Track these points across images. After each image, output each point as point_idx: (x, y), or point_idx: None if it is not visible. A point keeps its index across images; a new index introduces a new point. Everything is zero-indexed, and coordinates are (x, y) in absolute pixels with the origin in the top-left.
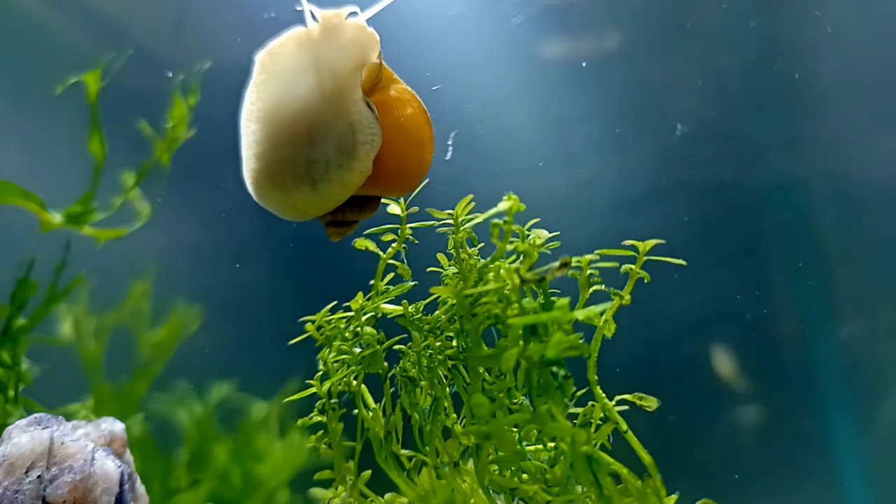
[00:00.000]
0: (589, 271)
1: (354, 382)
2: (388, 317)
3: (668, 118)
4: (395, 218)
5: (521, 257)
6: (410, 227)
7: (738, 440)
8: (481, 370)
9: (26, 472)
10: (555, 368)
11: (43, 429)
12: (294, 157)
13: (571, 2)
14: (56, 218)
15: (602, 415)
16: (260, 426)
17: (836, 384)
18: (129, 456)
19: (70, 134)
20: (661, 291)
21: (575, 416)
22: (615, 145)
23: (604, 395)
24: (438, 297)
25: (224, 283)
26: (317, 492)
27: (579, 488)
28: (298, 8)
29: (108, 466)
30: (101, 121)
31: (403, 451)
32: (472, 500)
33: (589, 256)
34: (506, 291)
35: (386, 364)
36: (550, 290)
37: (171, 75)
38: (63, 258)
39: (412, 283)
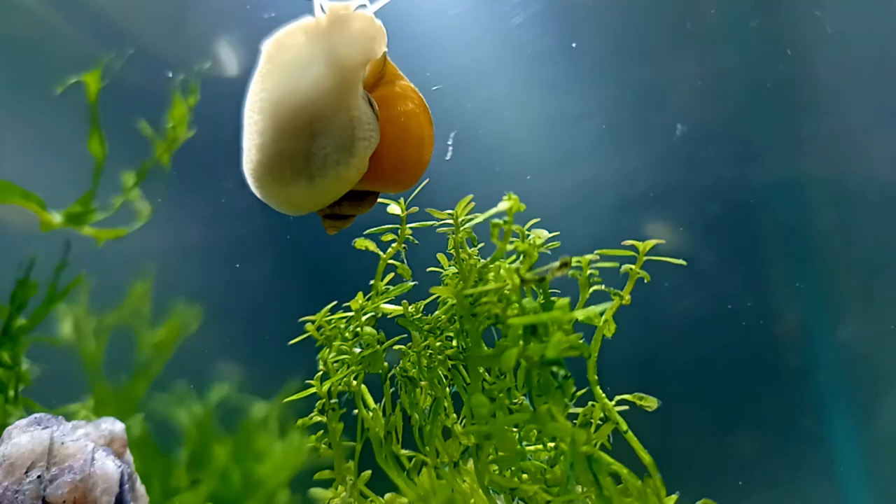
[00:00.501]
0: (589, 271)
1: (354, 382)
2: (389, 317)
3: (668, 118)
4: (395, 218)
5: (521, 257)
6: (410, 227)
7: (738, 440)
8: (481, 370)
9: (26, 472)
10: (555, 368)
11: (43, 429)
12: (294, 150)
13: (571, 2)
14: (56, 218)
15: (602, 415)
16: (260, 426)
17: (836, 384)
18: (129, 456)
19: (70, 134)
20: (661, 291)
21: (575, 416)
22: (615, 145)
23: (604, 395)
24: (438, 297)
25: (224, 283)
26: (317, 492)
27: (579, 488)
28: None
29: (108, 466)
30: (101, 121)
31: (403, 451)
32: (472, 500)
33: (589, 256)
34: (506, 291)
35: (386, 364)
36: (550, 290)
37: (171, 75)
38: (63, 258)
39: (412, 283)
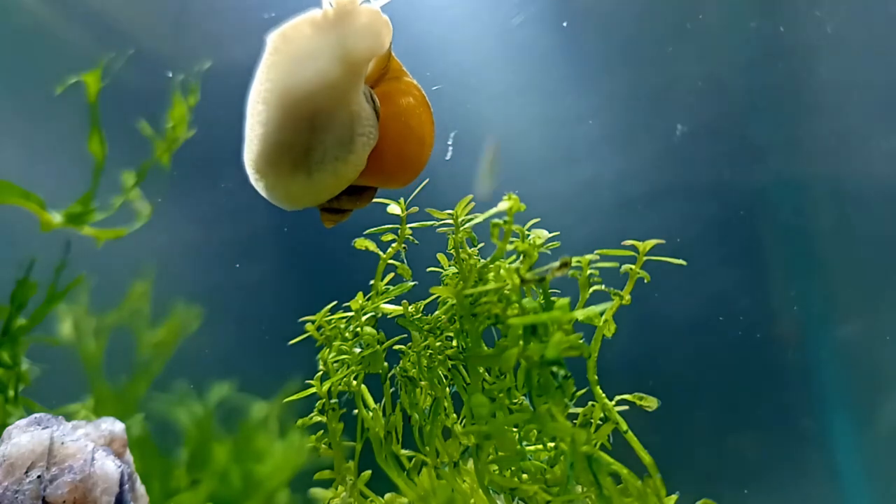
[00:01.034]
0: (589, 271)
1: (354, 382)
2: (389, 317)
3: (668, 118)
4: (395, 218)
5: (521, 257)
6: (410, 227)
7: (739, 440)
8: (481, 370)
9: (26, 472)
10: (555, 368)
11: (43, 429)
12: (294, 143)
13: (572, 2)
14: (56, 218)
15: (602, 415)
16: (260, 426)
17: (836, 384)
18: (129, 456)
19: (70, 134)
20: (661, 291)
21: (575, 416)
22: (615, 145)
23: (604, 395)
24: (438, 297)
25: (224, 283)
26: (317, 492)
27: (579, 488)
28: None
29: (108, 466)
30: (101, 121)
31: (403, 451)
32: (472, 500)
33: (589, 256)
34: (506, 291)
35: (386, 364)
36: (550, 290)
37: (171, 75)
38: (63, 258)
39: (412, 283)
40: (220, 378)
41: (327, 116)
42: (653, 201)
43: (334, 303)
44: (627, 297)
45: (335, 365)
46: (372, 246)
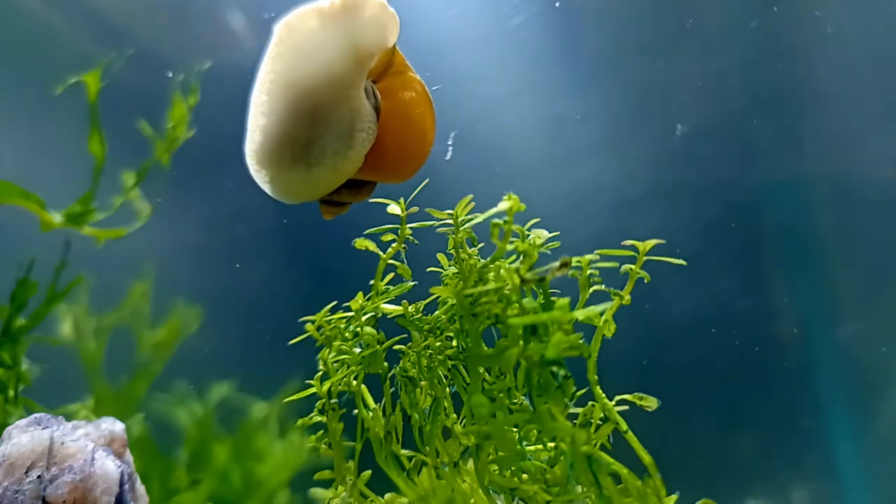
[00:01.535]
0: (589, 271)
1: (354, 382)
2: (389, 317)
3: (668, 118)
4: (395, 218)
5: (521, 257)
6: (410, 228)
7: (738, 440)
8: (481, 370)
9: (26, 472)
10: (555, 368)
11: (43, 429)
12: (296, 136)
13: (572, 2)
14: (56, 218)
15: (602, 415)
16: (260, 426)
17: (836, 384)
18: (129, 456)
19: (70, 134)
20: (661, 291)
21: (575, 416)
22: (615, 145)
23: (604, 395)
24: (438, 297)
25: (224, 283)
26: (317, 492)
27: (579, 488)
28: None
29: (108, 466)
30: (101, 121)
31: (403, 451)
32: (472, 500)
33: (589, 256)
34: (506, 291)
35: (386, 364)
36: (550, 290)
37: (171, 75)
38: (63, 258)
39: (412, 283)
40: (220, 378)
41: (328, 110)
42: (653, 201)
43: (334, 303)
44: (627, 297)
45: (335, 365)
46: (372, 246)
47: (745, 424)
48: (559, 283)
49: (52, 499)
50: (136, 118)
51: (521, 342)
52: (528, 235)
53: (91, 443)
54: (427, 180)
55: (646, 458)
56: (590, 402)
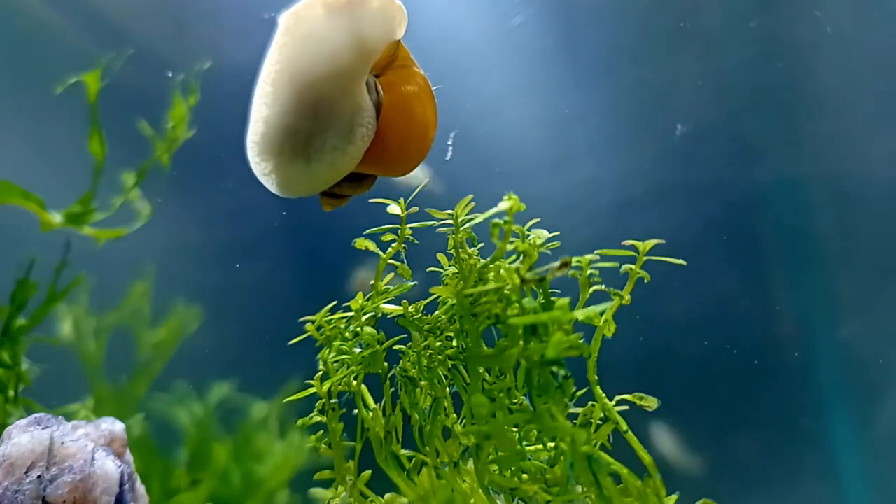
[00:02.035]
0: (589, 271)
1: (354, 382)
2: (389, 317)
3: (667, 118)
4: (395, 218)
5: (522, 257)
6: (410, 228)
7: (738, 440)
8: (481, 370)
9: (26, 472)
10: (555, 368)
11: (43, 429)
12: (298, 128)
13: (572, 2)
14: (56, 218)
15: (602, 415)
16: (260, 426)
17: (836, 384)
18: (129, 456)
19: (70, 134)
20: (661, 291)
21: (575, 416)
22: (615, 145)
23: (604, 395)
24: (438, 297)
25: (224, 283)
26: (317, 492)
27: (579, 488)
28: None
29: (108, 466)
30: (101, 121)
31: (403, 451)
32: (472, 500)
33: (589, 256)
34: (506, 291)
35: (386, 364)
36: (550, 290)
37: (171, 75)
38: (63, 258)
39: (412, 283)
40: (220, 378)
41: (330, 104)
42: (653, 201)
43: (334, 303)
44: (627, 297)
45: (335, 365)
46: (372, 246)
47: (745, 424)
48: (559, 283)
49: (52, 499)
50: (136, 118)
51: (521, 342)
52: (528, 235)
53: (91, 443)
54: (427, 180)
55: (646, 458)
56: (590, 402)
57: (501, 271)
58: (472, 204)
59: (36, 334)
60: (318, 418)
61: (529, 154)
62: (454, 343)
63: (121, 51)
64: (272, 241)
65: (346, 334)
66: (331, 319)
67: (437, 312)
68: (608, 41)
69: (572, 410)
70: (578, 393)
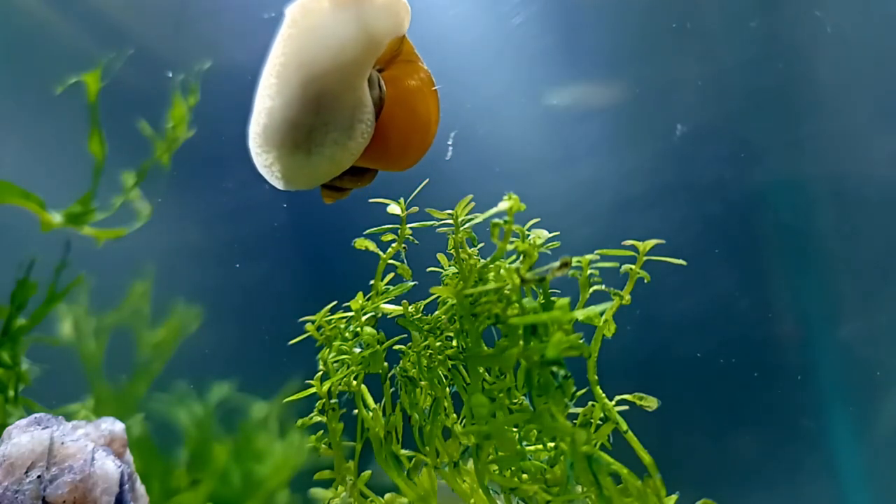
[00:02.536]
0: (589, 271)
1: (354, 382)
2: (389, 317)
3: (667, 118)
4: (395, 218)
5: (522, 257)
6: (410, 228)
7: (738, 440)
8: (481, 370)
9: (26, 472)
10: (555, 368)
11: (43, 429)
12: (300, 121)
13: (571, 2)
14: (56, 218)
15: (602, 415)
16: (260, 426)
17: (836, 384)
18: (129, 456)
19: (70, 134)
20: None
21: (575, 416)
22: (615, 145)
23: (604, 395)
24: (438, 297)
25: (224, 283)
26: (317, 492)
27: (579, 488)
28: None
29: (108, 466)
30: (101, 121)
31: (403, 451)
32: (472, 500)
33: (589, 256)
34: (506, 291)
35: (386, 364)
36: (550, 290)
37: (171, 75)
38: (63, 258)
39: (412, 283)
40: (220, 378)
41: (332, 98)
42: (652, 201)
43: (334, 303)
44: (627, 297)
45: (335, 365)
46: (372, 246)
47: (745, 424)
48: (559, 283)
49: (52, 499)
50: (136, 118)
51: (521, 342)
52: (528, 235)
53: (91, 443)
54: (427, 180)
55: (646, 458)
56: (590, 402)
57: (501, 271)
58: (472, 204)
59: (36, 334)
60: (318, 418)
61: (529, 154)
62: (454, 343)
63: (121, 51)
64: (272, 241)
65: (346, 334)
66: (331, 319)
67: (437, 312)
68: (608, 41)
69: (572, 410)
70: (578, 393)
